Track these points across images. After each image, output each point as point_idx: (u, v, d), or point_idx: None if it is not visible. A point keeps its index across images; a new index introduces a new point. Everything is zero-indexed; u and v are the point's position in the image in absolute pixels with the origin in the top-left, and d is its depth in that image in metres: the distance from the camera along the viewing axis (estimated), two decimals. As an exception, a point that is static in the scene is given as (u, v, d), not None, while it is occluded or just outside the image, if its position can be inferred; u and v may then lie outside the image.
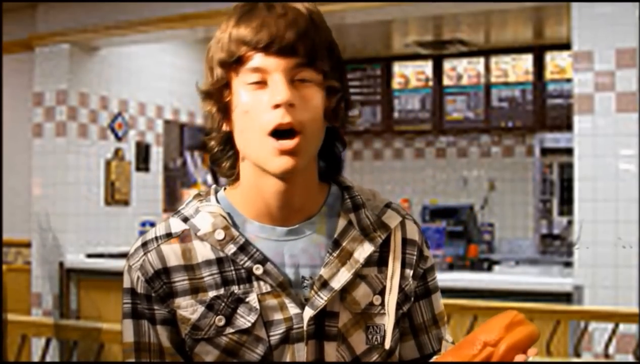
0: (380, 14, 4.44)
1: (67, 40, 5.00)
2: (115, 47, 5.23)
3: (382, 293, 1.09)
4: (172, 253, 1.06)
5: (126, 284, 1.07)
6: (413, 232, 1.15)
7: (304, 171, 1.05)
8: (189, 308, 1.04)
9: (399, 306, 1.11)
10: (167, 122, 5.77)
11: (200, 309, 1.04)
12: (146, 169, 5.53)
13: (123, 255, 4.97)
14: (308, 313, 1.04)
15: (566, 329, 3.53)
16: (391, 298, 1.09)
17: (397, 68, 6.45)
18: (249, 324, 1.03)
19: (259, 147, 1.02)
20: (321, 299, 1.04)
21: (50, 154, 5.05)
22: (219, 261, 1.05)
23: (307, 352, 1.05)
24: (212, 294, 1.04)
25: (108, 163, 5.22)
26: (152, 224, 5.08)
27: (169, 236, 1.07)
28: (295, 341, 1.04)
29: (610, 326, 3.30)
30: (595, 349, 3.51)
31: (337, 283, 1.05)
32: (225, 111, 1.06)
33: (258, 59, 1.01)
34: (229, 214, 1.08)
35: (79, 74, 5.08)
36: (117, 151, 5.29)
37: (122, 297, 1.08)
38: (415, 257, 1.14)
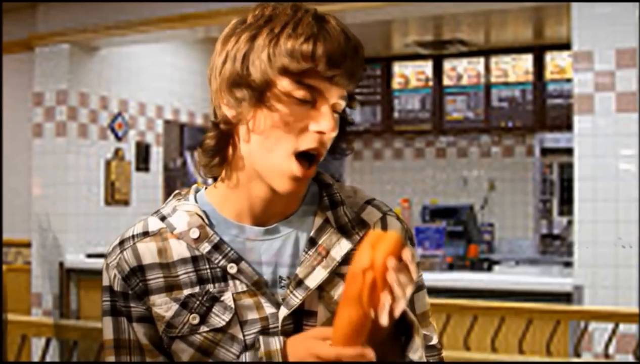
0: (380, 14, 4.44)
1: (67, 40, 5.00)
2: (115, 47, 5.23)
3: None
4: (148, 251, 1.06)
5: (105, 282, 1.08)
6: (394, 229, 1.12)
7: None
8: (163, 306, 1.05)
9: None
10: (167, 122, 5.77)
11: (175, 307, 1.04)
12: (146, 169, 5.53)
13: (123, 255, 4.97)
14: (283, 312, 1.04)
15: (566, 329, 3.53)
16: None
17: (397, 68, 6.45)
18: (224, 323, 1.03)
19: (278, 163, 1.01)
20: (296, 298, 1.04)
21: (50, 154, 5.05)
22: (194, 260, 1.05)
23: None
24: (186, 292, 1.04)
25: (108, 163, 5.22)
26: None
27: (145, 234, 1.08)
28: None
29: (610, 326, 3.30)
30: (595, 349, 3.51)
31: (313, 281, 1.04)
32: (255, 105, 1.00)
33: (317, 80, 0.99)
34: (205, 213, 1.08)
35: (79, 74, 5.08)
36: (117, 151, 5.29)
37: (102, 295, 1.09)
38: None
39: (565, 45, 4.71)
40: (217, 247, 1.05)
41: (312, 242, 1.07)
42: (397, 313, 0.91)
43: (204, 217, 1.07)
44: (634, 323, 3.26)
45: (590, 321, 3.36)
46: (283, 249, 1.07)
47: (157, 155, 5.65)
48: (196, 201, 1.10)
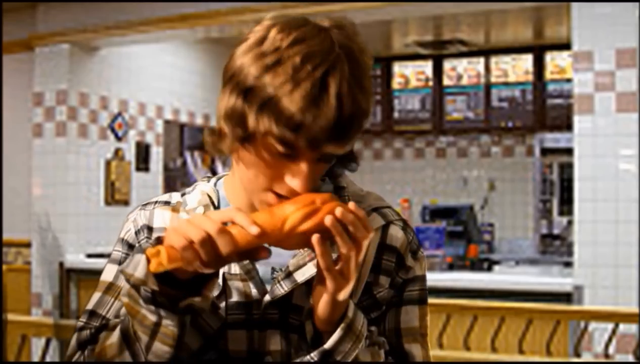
0: (380, 14, 4.44)
1: (67, 40, 5.00)
2: (115, 47, 5.23)
3: (352, 296, 1.06)
4: (161, 217, 1.14)
5: (121, 233, 1.17)
6: (395, 239, 1.11)
7: None
8: None
9: (365, 311, 1.06)
10: (167, 122, 5.77)
11: None
12: (146, 169, 5.53)
13: (123, 255, 4.98)
14: (266, 299, 1.05)
15: (566, 329, 3.53)
16: (353, 301, 1.06)
17: (397, 68, 6.45)
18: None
19: (255, 192, 1.03)
20: (282, 288, 1.04)
21: (50, 154, 5.05)
22: None
23: (267, 339, 1.05)
24: None
25: (108, 163, 5.22)
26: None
27: (166, 203, 1.16)
28: (253, 327, 1.05)
29: (610, 326, 3.30)
30: (595, 349, 3.51)
31: (301, 275, 1.04)
32: (236, 144, 1.01)
33: (299, 143, 0.96)
34: (218, 194, 1.13)
35: (79, 74, 5.08)
36: (117, 151, 5.29)
37: (114, 245, 1.17)
38: (393, 265, 1.10)
39: (565, 45, 4.71)
40: None
41: None
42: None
43: (212, 197, 1.12)
44: (634, 323, 3.26)
45: (590, 321, 3.36)
46: None
47: (157, 155, 5.65)
48: (215, 185, 1.15)
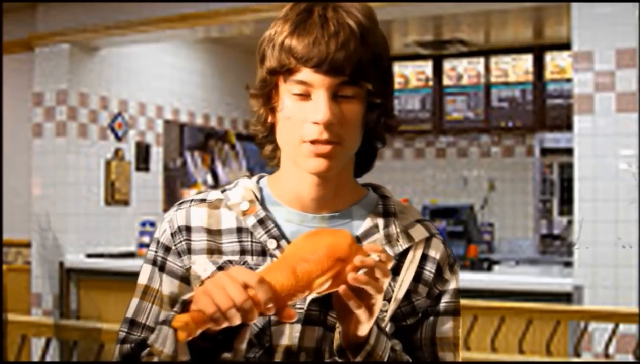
0: (380, 14, 4.38)
1: (67, 40, 5.00)
2: (115, 47, 5.23)
3: (390, 301, 1.10)
4: (198, 216, 1.14)
5: (156, 233, 1.17)
6: (436, 251, 1.15)
7: (339, 170, 1.09)
8: (201, 266, 1.11)
9: (402, 316, 1.11)
10: (167, 122, 5.77)
11: (211, 268, 1.10)
12: (146, 169, 5.53)
13: (123, 255, 4.98)
14: (311, 295, 1.05)
15: (566, 329, 3.53)
16: (392, 307, 1.10)
17: (397, 68, 6.45)
18: None
19: (296, 149, 1.07)
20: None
21: (50, 154, 5.05)
22: (239, 230, 1.12)
23: (305, 336, 1.07)
24: (225, 258, 1.10)
25: (108, 163, 5.22)
26: (152, 224, 5.08)
27: (202, 201, 1.15)
28: (294, 322, 1.06)
29: (610, 326, 3.30)
30: (595, 349, 3.51)
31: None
32: (271, 110, 1.10)
33: (305, 74, 1.04)
34: (261, 190, 1.15)
35: (79, 74, 5.08)
36: (117, 151, 5.29)
37: (150, 243, 1.17)
38: (432, 276, 1.14)
39: (565, 45, 4.71)
40: (262, 222, 1.11)
41: (357, 240, 1.10)
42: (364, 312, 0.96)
43: (257, 193, 1.14)
44: (634, 323, 3.26)
45: (590, 321, 3.36)
46: None
47: (157, 155, 5.64)
48: (258, 183, 1.17)
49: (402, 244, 1.12)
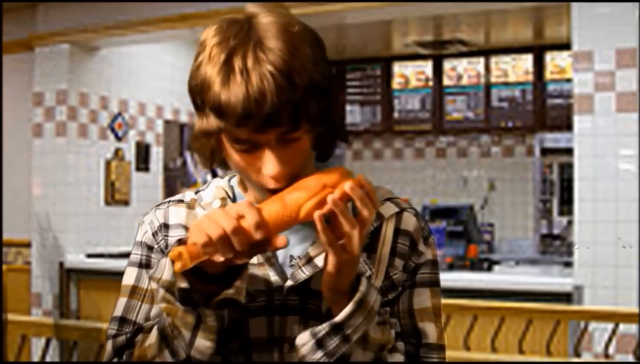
0: (380, 14, 4.44)
1: (67, 40, 5.00)
2: (115, 47, 5.23)
3: (369, 279, 1.09)
4: (176, 214, 1.16)
5: (137, 237, 1.18)
6: (408, 224, 1.15)
7: None
8: None
9: (383, 292, 1.11)
10: (167, 122, 5.77)
11: None
12: (146, 169, 5.53)
13: (123, 255, 4.97)
14: (288, 284, 1.08)
15: (566, 329, 3.53)
16: (376, 283, 1.10)
17: (397, 68, 6.45)
18: None
19: (254, 186, 1.07)
20: (303, 273, 1.07)
21: (50, 154, 5.05)
22: None
23: (287, 325, 1.07)
24: None
25: (108, 163, 5.22)
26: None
27: (180, 202, 1.18)
28: (274, 313, 1.07)
29: (610, 326, 3.30)
30: (595, 349, 3.51)
31: (322, 261, 1.06)
32: (218, 149, 1.07)
33: (245, 133, 1.00)
34: (232, 189, 1.16)
35: (79, 74, 5.08)
36: (117, 151, 5.29)
37: (132, 248, 1.18)
38: (407, 249, 1.14)
39: (565, 45, 4.71)
40: None
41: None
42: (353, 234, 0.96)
43: (228, 191, 1.15)
44: (634, 323, 3.26)
45: (590, 321, 3.36)
46: (299, 230, 1.11)
47: (157, 155, 5.65)
48: (229, 181, 1.18)
49: (373, 223, 1.12)
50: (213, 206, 1.13)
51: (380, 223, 1.13)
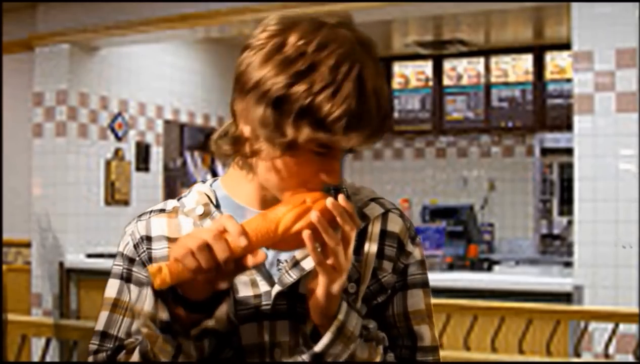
0: (380, 14, 4.44)
1: (67, 40, 5.00)
2: (115, 47, 5.23)
3: (357, 282, 1.10)
4: (158, 225, 1.14)
5: (119, 247, 1.17)
6: (394, 225, 1.14)
7: None
8: None
9: (372, 295, 1.11)
10: (167, 122, 5.77)
11: None
12: (146, 169, 5.53)
13: (123, 255, 4.97)
14: (276, 289, 1.07)
15: (566, 329, 3.53)
16: (362, 287, 1.10)
17: (397, 68, 6.45)
18: None
19: (281, 192, 1.04)
20: (290, 277, 1.07)
21: (50, 154, 5.05)
22: None
23: (277, 330, 1.07)
24: None
25: (108, 163, 5.22)
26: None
27: (161, 211, 1.16)
28: (263, 318, 1.07)
29: (610, 326, 3.30)
30: (595, 349, 3.51)
31: (309, 264, 1.06)
32: (278, 153, 1.02)
33: (329, 136, 0.98)
34: (215, 193, 1.14)
35: (79, 74, 5.08)
36: (117, 151, 5.29)
37: (115, 259, 1.17)
38: (395, 250, 1.13)
39: (565, 45, 4.71)
40: None
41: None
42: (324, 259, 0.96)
43: (210, 196, 1.13)
44: (634, 323, 3.26)
45: (590, 321, 3.36)
46: None
47: (157, 155, 5.65)
48: (211, 186, 1.16)
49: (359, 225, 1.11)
50: (196, 212, 1.12)
51: (366, 225, 1.12)
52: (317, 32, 0.99)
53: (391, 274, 1.13)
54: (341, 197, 0.97)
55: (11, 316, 2.97)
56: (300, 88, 0.96)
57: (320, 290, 0.99)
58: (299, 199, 0.98)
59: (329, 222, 0.96)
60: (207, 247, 0.93)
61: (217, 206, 1.12)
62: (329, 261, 0.97)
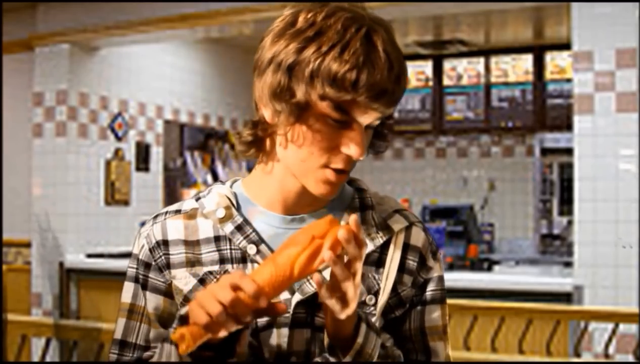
0: (380, 14, 4.42)
1: (67, 40, 5.00)
2: (115, 47, 5.23)
3: (376, 294, 1.09)
4: (175, 228, 1.12)
5: (134, 249, 1.15)
6: (417, 239, 1.13)
7: None
8: (183, 280, 1.10)
9: (391, 309, 1.10)
10: (167, 122, 5.77)
11: (193, 281, 1.09)
12: (146, 169, 5.53)
13: (123, 255, 4.97)
14: (296, 298, 1.06)
15: (566, 329, 3.53)
16: (381, 300, 1.09)
17: (397, 68, 6.44)
18: None
19: (310, 172, 1.04)
20: (311, 286, 1.05)
21: (50, 154, 5.05)
22: (217, 239, 1.10)
23: (294, 339, 1.06)
24: (206, 269, 1.09)
25: (108, 163, 5.22)
26: (152, 224, 5.08)
27: (177, 212, 1.13)
28: (282, 326, 1.06)
29: (610, 326, 3.30)
30: (595, 349, 3.51)
31: (329, 273, 1.05)
32: (293, 120, 1.01)
33: (356, 105, 0.99)
34: (236, 196, 1.12)
35: (79, 74, 5.08)
36: (117, 151, 5.29)
37: (129, 260, 1.15)
38: (416, 265, 1.13)
39: (565, 45, 4.71)
40: (240, 228, 1.09)
41: None
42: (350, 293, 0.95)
43: (232, 199, 1.11)
44: (634, 323, 3.26)
45: (590, 321, 3.36)
46: None
47: (157, 155, 5.64)
48: (231, 187, 1.14)
49: (382, 236, 1.10)
50: (217, 215, 1.09)
51: (390, 237, 1.11)
52: (326, 6, 1.02)
53: (410, 288, 1.12)
54: (352, 220, 0.95)
55: (11, 316, 2.97)
56: (309, 51, 0.97)
57: (330, 320, 0.99)
58: (307, 237, 0.96)
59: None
60: (226, 312, 0.91)
61: (238, 209, 1.11)
62: (339, 294, 0.96)
